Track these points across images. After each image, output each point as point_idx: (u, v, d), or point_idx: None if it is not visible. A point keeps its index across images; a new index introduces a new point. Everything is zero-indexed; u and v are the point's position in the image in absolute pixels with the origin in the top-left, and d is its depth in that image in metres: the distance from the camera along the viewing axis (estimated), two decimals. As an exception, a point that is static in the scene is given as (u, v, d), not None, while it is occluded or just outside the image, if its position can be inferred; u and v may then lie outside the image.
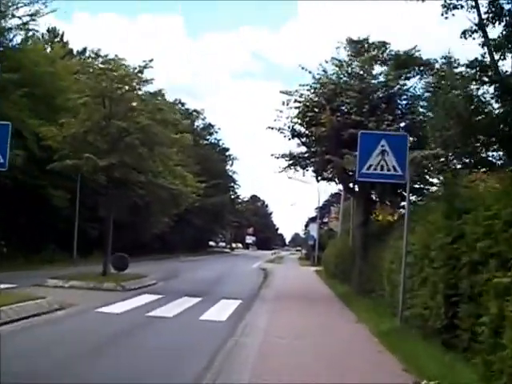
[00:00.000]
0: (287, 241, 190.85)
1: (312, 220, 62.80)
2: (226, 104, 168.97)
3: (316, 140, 16.07)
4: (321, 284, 23.60)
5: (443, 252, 7.52)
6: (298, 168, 16.78)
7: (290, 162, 16.69)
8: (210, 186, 60.56)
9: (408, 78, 16.29)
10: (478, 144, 13.33)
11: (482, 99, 13.05)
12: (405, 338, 8.53)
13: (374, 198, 17.17)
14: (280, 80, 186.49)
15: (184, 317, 12.06)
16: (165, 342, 9.02)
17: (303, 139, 16.67)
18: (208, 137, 69.33)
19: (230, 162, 71.06)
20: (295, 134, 16.55)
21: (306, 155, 16.70)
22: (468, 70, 13.38)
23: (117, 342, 8.77)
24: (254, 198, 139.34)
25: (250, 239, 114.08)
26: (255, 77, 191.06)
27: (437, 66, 15.31)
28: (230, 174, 72.45)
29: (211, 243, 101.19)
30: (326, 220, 63.20)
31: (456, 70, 13.60)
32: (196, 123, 67.49)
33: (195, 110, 65.69)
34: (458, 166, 13.69)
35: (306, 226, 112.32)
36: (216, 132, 69.80)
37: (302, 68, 16.45)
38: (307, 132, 16.34)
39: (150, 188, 24.13)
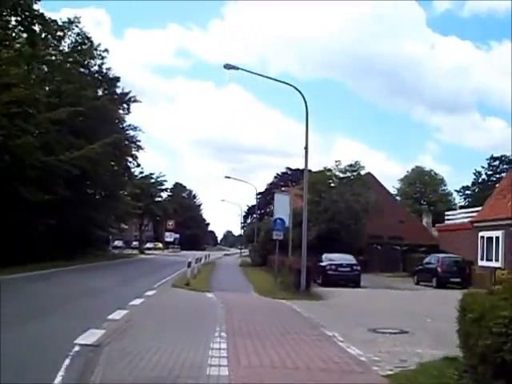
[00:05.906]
0: (219, 239, 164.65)
1: (275, 187, 35.70)
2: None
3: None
4: None
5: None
6: None
7: None
8: (72, 125, 32.13)
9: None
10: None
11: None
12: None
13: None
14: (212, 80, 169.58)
15: None
16: None
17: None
18: (88, 61, 40.45)
19: (125, 104, 42.18)
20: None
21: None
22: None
23: None
24: (178, 187, 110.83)
25: (170, 236, 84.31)
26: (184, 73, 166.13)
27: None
28: (125, 123, 43.71)
29: (118, 243, 71.97)
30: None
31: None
32: (68, 39, 38.54)
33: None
34: None
35: (246, 216, 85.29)
36: (102, 57, 40.90)
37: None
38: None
39: None
